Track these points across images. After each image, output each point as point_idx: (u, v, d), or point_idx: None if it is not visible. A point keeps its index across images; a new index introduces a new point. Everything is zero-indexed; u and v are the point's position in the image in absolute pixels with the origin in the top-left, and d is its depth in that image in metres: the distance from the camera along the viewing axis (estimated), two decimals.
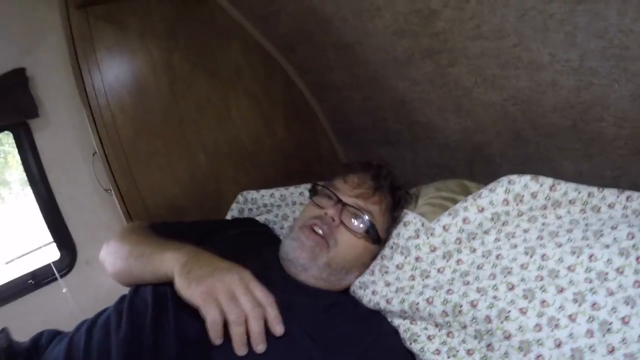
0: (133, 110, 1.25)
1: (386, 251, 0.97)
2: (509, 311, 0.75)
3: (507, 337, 0.73)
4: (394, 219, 1.00)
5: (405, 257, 0.93)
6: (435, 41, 1.01)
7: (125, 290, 0.85)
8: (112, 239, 0.97)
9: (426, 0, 0.93)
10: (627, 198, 0.82)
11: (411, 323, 0.88)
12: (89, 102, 1.22)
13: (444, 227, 0.91)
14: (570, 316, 0.70)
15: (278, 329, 0.70)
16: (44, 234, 1.43)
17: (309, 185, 1.27)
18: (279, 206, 1.27)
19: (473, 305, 0.79)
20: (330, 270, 0.91)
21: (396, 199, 1.02)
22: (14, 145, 1.40)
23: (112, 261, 0.93)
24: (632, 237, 0.74)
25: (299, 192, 1.28)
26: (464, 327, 0.81)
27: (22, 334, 0.89)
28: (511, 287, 0.78)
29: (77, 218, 1.41)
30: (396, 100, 1.24)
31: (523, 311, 0.74)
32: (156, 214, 1.26)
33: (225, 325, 0.68)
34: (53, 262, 1.40)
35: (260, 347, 0.68)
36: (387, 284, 0.92)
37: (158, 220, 1.25)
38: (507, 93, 1.00)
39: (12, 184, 1.68)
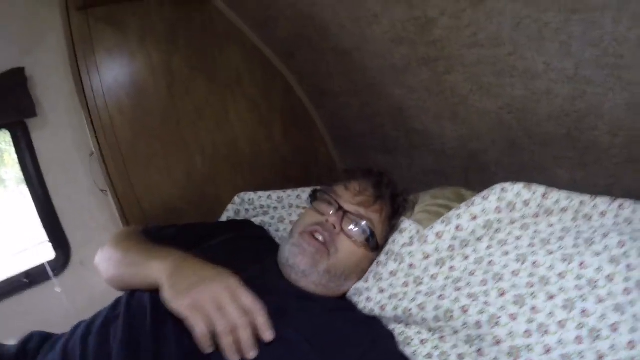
0: (131, 112, 1.26)
1: (381, 257, 0.98)
2: (500, 317, 0.76)
3: (497, 342, 0.74)
4: (392, 227, 1.01)
5: (399, 264, 0.93)
6: (432, 49, 1.02)
7: (120, 293, 0.86)
8: (107, 245, 0.97)
9: (423, 8, 0.95)
10: (619, 206, 0.83)
11: (405, 327, 0.89)
12: (87, 103, 1.23)
13: (437, 235, 0.92)
14: (560, 322, 0.71)
15: (267, 335, 0.70)
16: (39, 233, 1.43)
17: (306, 189, 1.28)
18: (276, 208, 1.28)
19: (464, 310, 0.80)
20: (330, 277, 0.91)
21: (396, 208, 1.03)
22: (11, 143, 1.40)
23: (106, 268, 0.93)
24: (623, 245, 0.74)
25: (296, 195, 1.29)
26: (456, 332, 0.82)
27: (14, 333, 0.90)
28: (502, 293, 0.78)
29: (72, 218, 1.41)
30: (393, 107, 1.26)
31: (513, 317, 0.75)
32: (152, 215, 1.27)
33: None
34: (48, 262, 1.40)
35: (251, 354, 0.68)
36: (381, 291, 0.93)
37: (154, 222, 1.27)
38: (503, 101, 1.01)
39: (8, 182, 1.69)
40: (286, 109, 1.52)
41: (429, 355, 0.84)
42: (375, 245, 0.96)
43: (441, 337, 0.85)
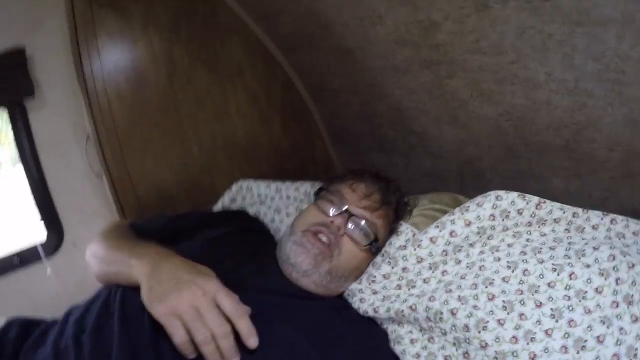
0: (130, 98, 1.26)
1: (377, 259, 0.98)
2: (487, 321, 0.76)
3: (484, 346, 0.74)
4: (391, 230, 1.00)
5: (392, 267, 0.93)
6: (435, 52, 1.02)
7: None
8: (94, 240, 0.95)
9: (427, 12, 0.95)
10: (612, 221, 0.83)
11: (398, 325, 0.90)
12: (86, 87, 1.22)
13: (431, 239, 0.92)
14: (546, 331, 0.71)
15: (251, 342, 0.67)
16: (32, 214, 1.42)
17: (306, 183, 1.28)
18: (273, 198, 1.27)
19: (453, 313, 0.80)
20: (331, 278, 0.91)
21: (398, 214, 1.02)
22: (8, 122, 1.39)
23: (92, 264, 0.91)
24: (613, 259, 0.75)
25: (295, 187, 1.28)
26: (444, 333, 0.82)
27: (4, 313, 0.89)
28: (491, 297, 0.79)
29: (66, 200, 1.40)
30: (393, 107, 1.26)
31: (501, 322, 0.75)
32: (147, 202, 1.27)
33: None
34: (40, 244, 1.39)
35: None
36: (374, 292, 0.93)
37: (148, 208, 1.26)
38: (502, 108, 1.01)
39: (3, 162, 1.68)
40: (286, 104, 1.52)
41: (417, 355, 0.85)
42: (377, 249, 0.96)
43: (430, 338, 0.85)
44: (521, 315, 0.75)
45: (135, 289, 0.72)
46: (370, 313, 0.91)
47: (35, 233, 1.41)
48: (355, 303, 0.94)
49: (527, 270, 0.80)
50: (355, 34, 1.14)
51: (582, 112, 0.90)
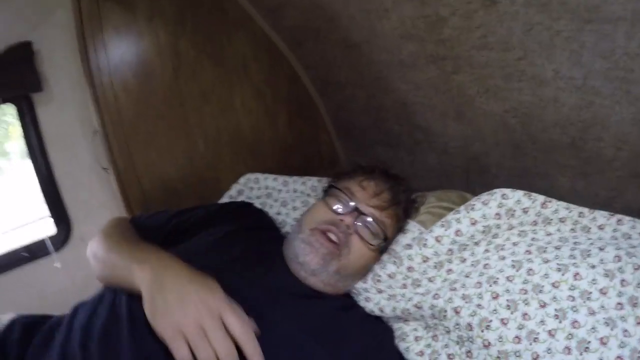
0: (136, 92, 1.25)
1: (383, 257, 0.97)
2: (491, 320, 0.76)
3: (487, 345, 0.74)
4: (400, 229, 1.00)
5: (398, 267, 0.93)
6: (441, 47, 1.01)
7: None
8: (95, 239, 0.92)
9: (435, 7, 0.93)
10: (618, 221, 0.83)
11: (404, 322, 0.90)
12: (92, 81, 1.21)
13: (436, 239, 0.91)
14: (550, 331, 0.71)
15: None
16: (41, 207, 1.43)
17: (312, 178, 1.28)
18: (280, 191, 1.27)
19: (456, 311, 0.80)
20: (339, 277, 0.90)
21: (407, 213, 1.01)
22: (16, 117, 1.40)
23: (94, 264, 0.88)
24: (619, 260, 0.75)
25: (302, 182, 1.28)
26: (448, 331, 0.83)
27: (13, 306, 0.90)
28: (495, 296, 0.79)
29: (74, 194, 1.41)
30: (398, 102, 1.24)
31: (504, 322, 0.75)
32: (152, 195, 1.27)
33: None
34: (49, 237, 1.40)
35: None
36: (380, 291, 0.93)
37: (153, 202, 1.26)
38: (509, 105, 1.00)
39: (12, 155, 1.69)
40: (291, 98, 1.51)
41: (421, 353, 0.85)
42: (385, 248, 0.96)
43: (434, 336, 0.86)
44: (525, 315, 0.75)
45: (138, 295, 0.69)
46: (377, 312, 0.91)
47: (44, 227, 1.43)
48: (361, 302, 0.94)
49: (531, 269, 0.80)
50: (361, 27, 1.13)
51: (589, 110, 0.89)
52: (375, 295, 0.93)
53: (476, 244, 0.91)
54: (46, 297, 1.38)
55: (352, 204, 0.93)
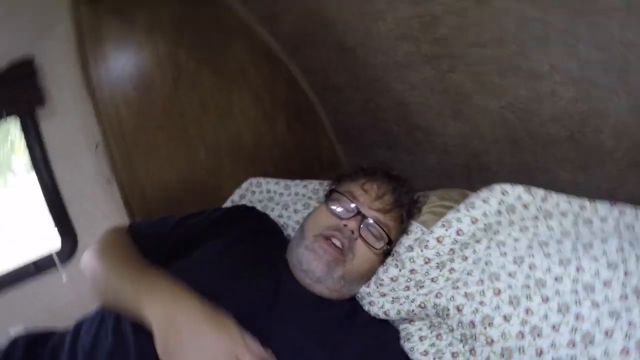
0: (136, 103, 1.26)
1: (387, 259, 0.96)
2: (493, 317, 0.75)
3: (490, 342, 0.73)
4: (403, 230, 0.98)
5: (400, 270, 0.91)
6: (436, 47, 1.01)
7: None
8: (92, 253, 0.87)
9: (428, 6, 0.93)
10: (620, 212, 0.81)
11: (409, 323, 0.89)
12: (94, 93, 1.23)
13: (437, 240, 0.90)
14: (553, 326, 0.70)
15: None
16: (46, 221, 1.44)
17: (314, 181, 1.27)
18: (282, 194, 1.27)
19: (459, 309, 0.79)
20: (345, 282, 0.89)
21: (410, 214, 1.00)
22: (20, 131, 1.41)
23: (92, 284, 0.83)
24: (622, 251, 0.73)
25: (303, 185, 1.28)
26: (452, 330, 0.81)
27: (23, 320, 0.89)
28: (497, 292, 0.78)
29: (79, 207, 1.41)
30: (396, 103, 1.24)
31: (507, 318, 0.74)
32: (155, 205, 1.27)
33: None
34: (55, 252, 1.41)
35: None
36: (383, 295, 0.92)
37: (156, 212, 1.26)
38: (506, 101, 1.00)
39: (18, 169, 1.70)
40: (290, 103, 1.51)
41: (425, 352, 0.84)
42: (390, 251, 0.94)
43: (438, 335, 0.85)
44: (527, 310, 0.73)
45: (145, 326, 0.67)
46: (382, 316, 0.90)
47: (50, 240, 1.43)
48: (365, 306, 0.93)
49: (533, 264, 0.79)
50: (357, 30, 1.13)
51: (586, 102, 0.88)
52: (378, 299, 0.91)
53: (477, 241, 0.89)
54: (54, 311, 1.38)
55: (355, 207, 0.91)
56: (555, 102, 0.92)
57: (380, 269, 0.94)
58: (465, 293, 0.81)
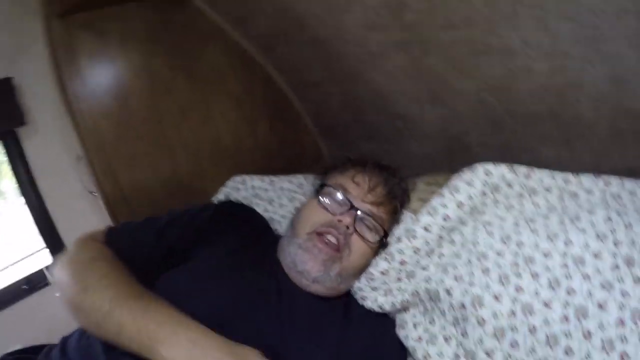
0: (115, 115, 1.22)
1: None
2: (483, 297, 0.71)
3: (481, 323, 0.70)
4: (395, 221, 0.94)
5: (390, 263, 0.87)
6: (407, 33, 0.97)
7: None
8: (66, 266, 0.75)
9: None
10: (606, 183, 0.78)
11: (404, 311, 0.85)
12: (71, 108, 1.19)
13: (424, 228, 0.85)
14: (545, 302, 0.66)
15: None
16: (37, 241, 1.41)
17: (298, 175, 1.23)
18: (266, 190, 1.22)
19: (448, 292, 0.76)
20: (341, 279, 0.84)
21: (402, 204, 0.95)
22: (4, 152, 1.37)
23: (69, 306, 0.70)
24: (610, 221, 0.70)
25: (288, 180, 1.24)
26: (444, 314, 0.78)
27: (16, 340, 0.85)
28: (486, 271, 0.74)
29: (66, 221, 1.39)
30: (374, 93, 1.21)
31: (497, 297, 0.70)
32: (140, 213, 1.21)
33: None
34: (46, 267, 1.37)
35: None
36: (374, 289, 0.87)
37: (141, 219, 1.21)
38: (482, 81, 0.96)
39: (7, 193, 1.67)
40: (270, 103, 1.47)
41: (419, 339, 0.80)
42: (384, 244, 0.89)
43: (431, 320, 0.81)
44: (518, 288, 0.70)
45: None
46: (377, 310, 0.86)
47: (41, 260, 1.40)
48: (359, 300, 0.88)
49: (521, 242, 0.75)
50: (327, 24, 1.09)
51: (562, 74, 0.85)
52: (370, 294, 0.87)
53: (464, 224, 0.85)
54: (51, 327, 1.34)
55: (348, 202, 0.86)
56: (531, 77, 0.89)
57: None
58: (455, 276, 0.77)
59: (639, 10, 0.69)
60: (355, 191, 0.88)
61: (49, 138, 1.37)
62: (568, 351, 0.62)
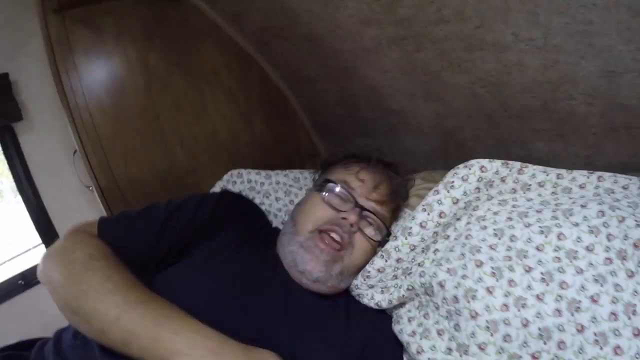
0: (111, 109, 1.21)
1: None
2: (476, 290, 0.69)
3: (474, 316, 0.67)
4: (395, 219, 0.92)
5: (386, 261, 0.84)
6: (400, 28, 0.95)
7: None
8: (57, 262, 0.68)
9: None
10: (599, 178, 0.76)
11: (400, 306, 0.83)
12: (67, 103, 1.17)
13: (420, 225, 0.83)
14: (537, 296, 0.64)
15: None
16: (34, 238, 1.38)
17: (294, 171, 1.21)
18: (262, 183, 1.21)
19: (441, 285, 0.73)
20: (343, 277, 0.82)
21: (402, 201, 0.94)
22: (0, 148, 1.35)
23: (63, 308, 0.64)
24: (603, 215, 0.68)
25: (284, 174, 1.22)
26: (437, 307, 0.76)
27: (13, 335, 0.82)
28: (479, 264, 0.72)
29: (63, 216, 1.37)
30: (369, 89, 1.19)
31: (490, 290, 0.68)
32: (136, 208, 1.21)
33: None
34: None
35: None
36: (370, 287, 0.85)
37: None
38: (475, 75, 0.94)
39: (4, 191, 1.66)
40: (265, 99, 1.46)
41: (413, 333, 0.78)
42: (387, 241, 0.87)
43: (425, 314, 0.79)
44: (510, 281, 0.68)
45: None
46: (374, 307, 0.83)
47: (38, 255, 1.37)
48: (356, 297, 0.86)
49: (514, 235, 0.73)
50: (321, 19, 1.07)
51: (554, 69, 0.83)
52: (367, 291, 0.85)
53: (458, 219, 0.84)
54: (47, 321, 1.32)
55: (352, 199, 0.84)
56: (523, 71, 0.87)
57: None
58: (448, 269, 0.75)
59: (630, 3, 0.67)
60: (360, 188, 0.86)
61: (46, 133, 1.35)
62: (561, 345, 0.60)
